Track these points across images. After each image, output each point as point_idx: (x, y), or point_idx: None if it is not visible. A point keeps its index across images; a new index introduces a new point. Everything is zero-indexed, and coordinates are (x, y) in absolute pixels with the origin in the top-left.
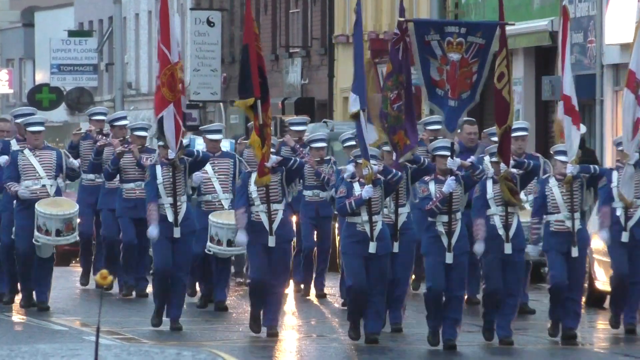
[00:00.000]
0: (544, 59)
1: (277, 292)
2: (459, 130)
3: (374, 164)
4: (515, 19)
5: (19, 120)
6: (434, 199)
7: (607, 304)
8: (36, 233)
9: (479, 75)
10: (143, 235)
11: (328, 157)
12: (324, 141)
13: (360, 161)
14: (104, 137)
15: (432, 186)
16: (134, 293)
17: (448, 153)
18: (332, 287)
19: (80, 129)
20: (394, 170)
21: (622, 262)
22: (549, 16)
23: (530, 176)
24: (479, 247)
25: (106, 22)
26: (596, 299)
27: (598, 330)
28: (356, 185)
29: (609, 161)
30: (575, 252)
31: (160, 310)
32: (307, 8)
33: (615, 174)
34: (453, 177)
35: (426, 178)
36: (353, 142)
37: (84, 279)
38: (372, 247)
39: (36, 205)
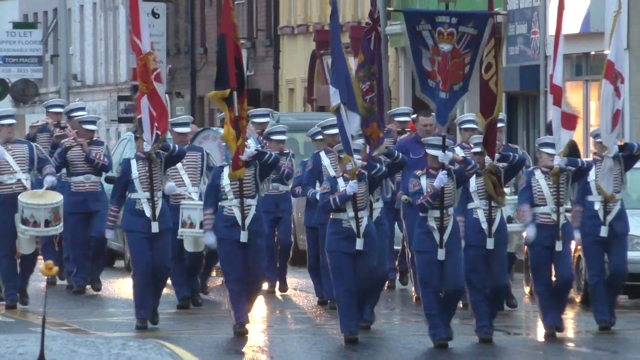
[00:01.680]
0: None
1: (252, 289)
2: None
3: (358, 159)
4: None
5: None
6: (425, 194)
7: None
8: (22, 227)
9: (471, 67)
10: (88, 228)
11: (287, 151)
12: (284, 134)
13: (342, 156)
14: (61, 130)
15: (423, 181)
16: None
17: (439, 150)
18: (298, 282)
19: (37, 121)
20: (378, 165)
21: (600, 259)
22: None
23: (515, 170)
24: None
25: (51, 13)
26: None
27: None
28: (340, 181)
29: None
30: (559, 245)
31: (144, 311)
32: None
33: (593, 168)
34: (445, 172)
35: (417, 172)
36: (320, 137)
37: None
38: (359, 244)
39: (19, 198)
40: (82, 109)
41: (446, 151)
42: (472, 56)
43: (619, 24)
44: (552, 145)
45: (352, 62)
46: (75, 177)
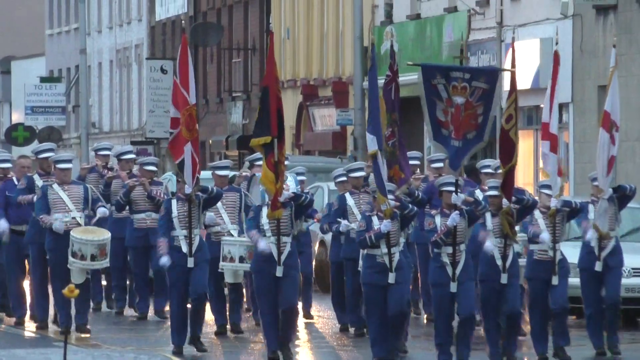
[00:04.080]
0: None
1: (291, 316)
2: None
3: (391, 199)
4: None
5: (42, 156)
6: (439, 232)
7: None
8: (71, 259)
9: (485, 117)
10: (151, 262)
11: (306, 190)
12: (303, 175)
13: (376, 196)
14: (109, 170)
15: (437, 219)
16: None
17: (453, 189)
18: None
19: (88, 163)
20: (410, 205)
21: (596, 291)
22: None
23: (527, 211)
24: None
25: (73, 70)
26: None
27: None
28: (375, 219)
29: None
30: (555, 280)
31: (179, 338)
32: (247, 58)
33: (591, 207)
34: (457, 212)
35: (432, 212)
36: (344, 178)
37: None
38: (391, 278)
39: (71, 233)
40: (131, 152)
41: (458, 193)
42: (485, 108)
43: (614, 79)
44: (550, 187)
45: (334, 112)
46: (137, 214)
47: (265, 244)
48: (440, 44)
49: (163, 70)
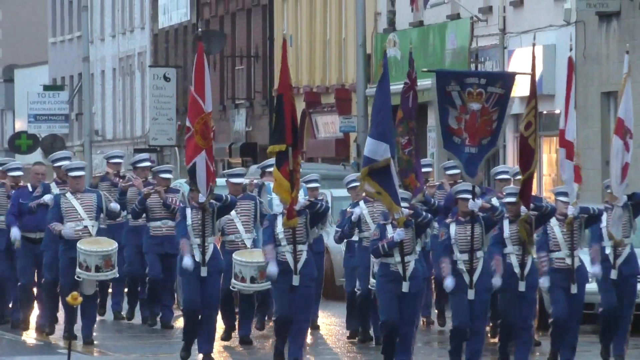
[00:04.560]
0: None
1: (302, 327)
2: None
3: (405, 207)
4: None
5: (57, 164)
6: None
7: None
8: (77, 270)
9: (499, 122)
10: (168, 269)
11: (320, 197)
12: (317, 182)
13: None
14: (122, 179)
15: (452, 228)
16: (158, 323)
17: (470, 196)
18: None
19: (100, 172)
20: (424, 213)
21: (611, 297)
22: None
23: (545, 218)
24: (496, 281)
25: (76, 77)
26: None
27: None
28: (389, 228)
29: None
30: (574, 289)
31: (188, 345)
32: (250, 65)
33: (604, 215)
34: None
35: (447, 220)
36: (357, 184)
37: (130, 314)
38: (405, 287)
39: (78, 244)
40: (147, 159)
41: (475, 199)
42: (500, 113)
43: (627, 85)
44: (566, 194)
45: (337, 119)
46: (153, 222)
47: (274, 270)
48: (443, 51)
49: (166, 78)
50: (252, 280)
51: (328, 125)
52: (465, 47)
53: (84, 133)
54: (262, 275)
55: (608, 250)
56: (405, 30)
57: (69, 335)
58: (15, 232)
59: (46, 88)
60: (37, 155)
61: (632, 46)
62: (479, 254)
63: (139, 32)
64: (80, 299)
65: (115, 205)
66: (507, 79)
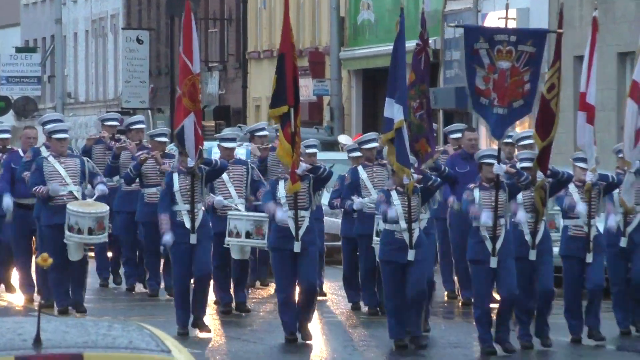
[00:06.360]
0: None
1: (308, 297)
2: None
3: (413, 172)
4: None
5: (48, 127)
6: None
7: None
8: (67, 233)
9: (532, 85)
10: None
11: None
12: (315, 147)
13: (395, 169)
14: (117, 142)
15: (476, 193)
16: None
17: (494, 161)
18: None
19: (94, 134)
20: (433, 177)
21: (620, 266)
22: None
23: (562, 185)
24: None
25: (49, 40)
26: None
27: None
28: (393, 194)
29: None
30: (589, 257)
31: (183, 317)
32: (223, 28)
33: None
34: (489, 212)
35: (471, 185)
36: (359, 153)
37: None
38: (410, 255)
39: (68, 206)
40: (142, 121)
41: (500, 163)
42: (532, 74)
43: None
44: (585, 160)
45: (310, 82)
46: (148, 188)
47: (283, 214)
48: (417, 14)
49: (139, 41)
50: (248, 235)
51: (301, 89)
52: (439, 10)
53: (56, 95)
54: (258, 231)
55: (618, 218)
56: None
57: (64, 309)
58: (7, 201)
59: (18, 50)
60: (8, 117)
61: (604, 10)
62: (502, 221)
63: None
64: (50, 260)
65: (103, 188)
66: (538, 37)
